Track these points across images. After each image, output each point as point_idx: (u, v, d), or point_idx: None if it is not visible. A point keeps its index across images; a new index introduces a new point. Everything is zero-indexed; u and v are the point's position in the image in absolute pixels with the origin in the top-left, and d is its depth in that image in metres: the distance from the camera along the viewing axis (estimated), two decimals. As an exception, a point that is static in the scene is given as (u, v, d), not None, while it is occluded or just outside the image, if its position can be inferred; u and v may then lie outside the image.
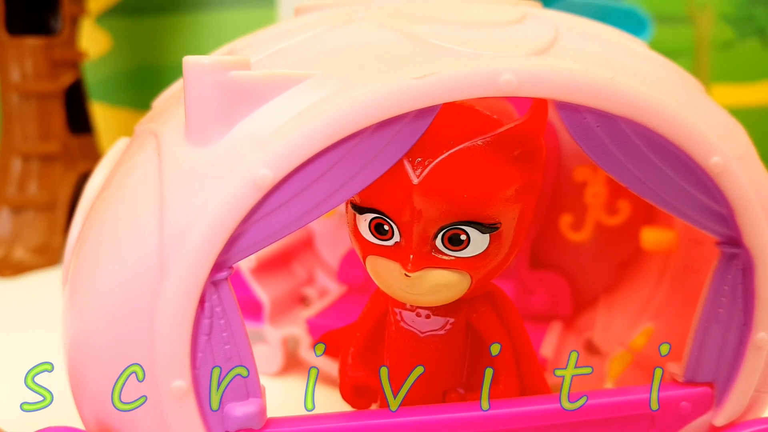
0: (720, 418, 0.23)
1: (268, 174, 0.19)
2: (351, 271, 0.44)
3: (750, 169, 0.22)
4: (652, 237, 0.34)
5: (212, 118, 0.20)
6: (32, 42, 0.64)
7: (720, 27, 0.81)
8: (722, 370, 0.23)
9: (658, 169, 0.21)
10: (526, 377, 0.24)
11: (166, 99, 0.26)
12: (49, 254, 0.63)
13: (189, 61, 0.20)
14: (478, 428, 0.22)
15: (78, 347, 0.21)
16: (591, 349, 0.38)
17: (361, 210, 0.22)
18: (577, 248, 0.40)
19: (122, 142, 0.27)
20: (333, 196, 0.20)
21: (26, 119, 0.64)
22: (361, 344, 0.25)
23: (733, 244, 0.22)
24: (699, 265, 0.31)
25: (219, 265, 0.20)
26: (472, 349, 0.24)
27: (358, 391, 0.25)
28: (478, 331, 0.24)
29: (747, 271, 0.22)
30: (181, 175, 0.20)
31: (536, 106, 0.21)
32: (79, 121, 0.69)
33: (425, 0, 0.25)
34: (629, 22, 0.66)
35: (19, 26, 0.65)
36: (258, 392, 0.21)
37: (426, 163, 0.20)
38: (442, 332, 0.23)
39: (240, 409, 0.21)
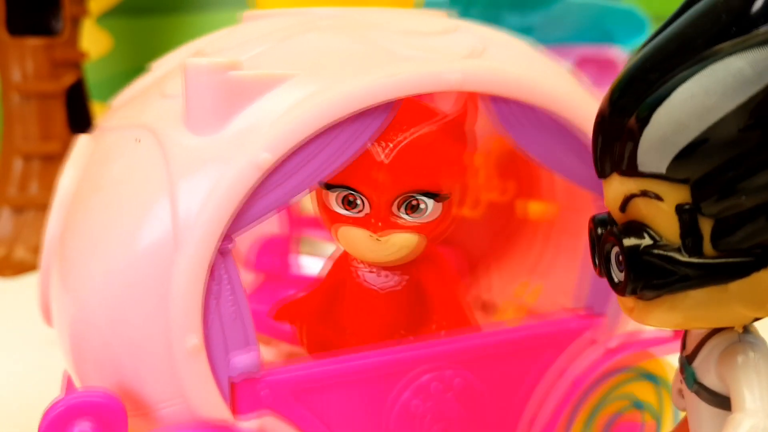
0: (613, 341, 0.30)
1: (268, 157, 0.23)
2: (268, 260, 0.48)
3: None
4: (537, 208, 0.41)
5: (214, 111, 0.23)
6: (33, 42, 0.63)
7: None
8: (613, 303, 0.30)
9: (566, 146, 0.27)
10: (461, 322, 0.30)
11: (131, 99, 0.29)
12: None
13: (191, 63, 0.23)
14: (426, 360, 0.27)
15: (87, 322, 0.24)
16: (489, 309, 0.44)
17: (332, 187, 0.26)
18: (470, 223, 0.46)
19: (83, 140, 0.29)
20: (319, 174, 0.24)
21: (27, 119, 0.63)
22: (323, 306, 0.30)
23: (616, 204, 0.29)
24: (578, 229, 0.38)
25: (226, 237, 0.23)
26: (419, 302, 0.29)
27: (324, 346, 0.29)
28: (424, 286, 0.29)
29: (626, 224, 0.29)
30: (187, 160, 0.23)
31: (466, 101, 0.27)
32: (80, 121, 0.67)
33: (359, 10, 0.29)
34: (628, 23, 0.70)
35: (20, 27, 0.64)
36: (256, 344, 0.25)
37: (390, 145, 0.25)
38: (398, 288, 0.28)
39: (241, 359, 0.24)
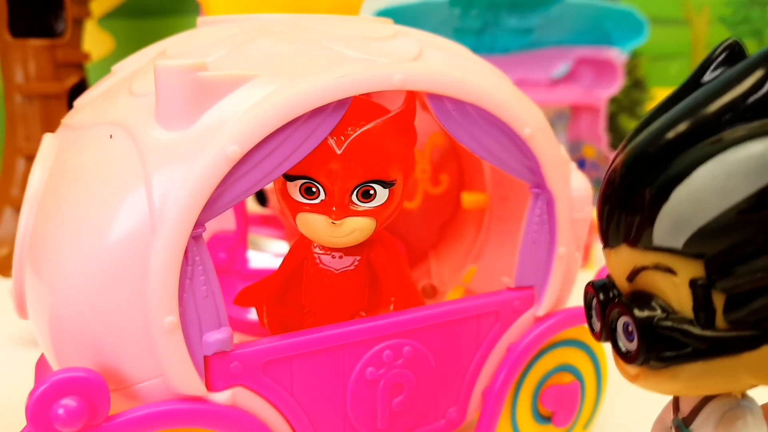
0: (540, 310, 0.34)
1: (236, 149, 0.25)
2: (216, 255, 0.50)
3: (547, 136, 0.33)
4: (470, 198, 0.45)
5: (184, 108, 0.25)
6: (36, 44, 0.64)
7: (716, 29, 0.81)
8: (539, 275, 0.34)
9: (493, 137, 0.31)
10: (409, 299, 0.33)
11: (95, 98, 0.30)
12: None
13: (162, 65, 0.25)
14: (378, 332, 0.30)
15: (67, 307, 0.26)
16: (430, 291, 0.48)
17: (292, 178, 0.28)
18: (408, 214, 0.50)
19: (49, 138, 0.31)
20: (280, 166, 0.27)
21: (30, 120, 0.63)
22: (283, 288, 0.32)
23: (539, 187, 0.33)
24: (507, 215, 0.42)
25: (198, 223, 0.25)
26: (370, 280, 0.32)
27: (285, 325, 0.32)
28: (374, 266, 0.32)
29: (549, 204, 0.33)
30: (160, 153, 0.25)
31: (408, 100, 0.30)
32: None
33: (308, 17, 0.32)
34: (626, 24, 0.70)
35: (22, 28, 0.64)
36: (227, 322, 0.27)
37: (344, 139, 0.28)
38: (351, 268, 0.31)
39: (214, 336, 0.26)
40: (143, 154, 0.25)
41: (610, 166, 0.19)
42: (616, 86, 0.75)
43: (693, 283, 0.17)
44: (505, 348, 0.34)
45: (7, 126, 0.67)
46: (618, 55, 0.74)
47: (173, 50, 0.30)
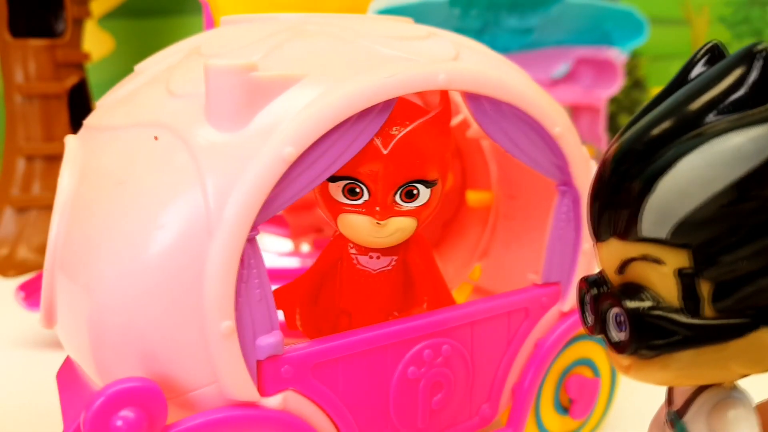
0: (566, 305, 0.35)
1: (292, 151, 0.25)
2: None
3: (573, 135, 0.33)
4: (475, 197, 0.45)
5: (236, 109, 0.25)
6: (36, 44, 0.62)
7: (716, 29, 0.80)
8: (564, 272, 0.34)
9: (527, 136, 0.31)
10: (441, 298, 0.33)
11: (124, 98, 0.30)
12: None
13: (213, 66, 0.24)
14: (419, 332, 0.30)
15: (113, 314, 0.25)
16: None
17: (336, 179, 0.28)
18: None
19: (72, 140, 0.30)
20: (331, 167, 0.26)
21: (30, 120, 0.61)
22: (316, 289, 0.32)
23: (566, 185, 0.33)
24: (515, 213, 0.43)
25: (254, 226, 0.25)
26: (407, 278, 0.32)
27: (319, 327, 0.32)
28: (409, 266, 0.32)
29: (575, 202, 0.34)
30: (214, 155, 0.25)
31: (444, 100, 0.30)
32: (82, 122, 0.64)
33: (338, 17, 0.32)
34: (627, 24, 0.69)
35: (22, 28, 0.62)
36: (278, 325, 0.27)
37: (389, 139, 0.28)
38: (389, 268, 0.31)
39: (266, 340, 0.26)
40: (196, 156, 0.25)
41: (601, 163, 0.19)
42: (616, 86, 0.75)
43: (680, 273, 0.17)
44: (534, 343, 0.34)
45: (7, 126, 0.65)
46: (618, 55, 0.74)
47: (209, 49, 0.29)
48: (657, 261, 0.18)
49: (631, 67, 0.86)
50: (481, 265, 0.46)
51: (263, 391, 0.26)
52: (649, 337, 0.18)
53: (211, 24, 0.55)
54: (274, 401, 0.26)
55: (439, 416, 0.31)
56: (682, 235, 0.17)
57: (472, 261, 0.46)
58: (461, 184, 0.49)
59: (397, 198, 0.29)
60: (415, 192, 0.29)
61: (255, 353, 0.26)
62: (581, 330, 0.36)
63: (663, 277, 0.18)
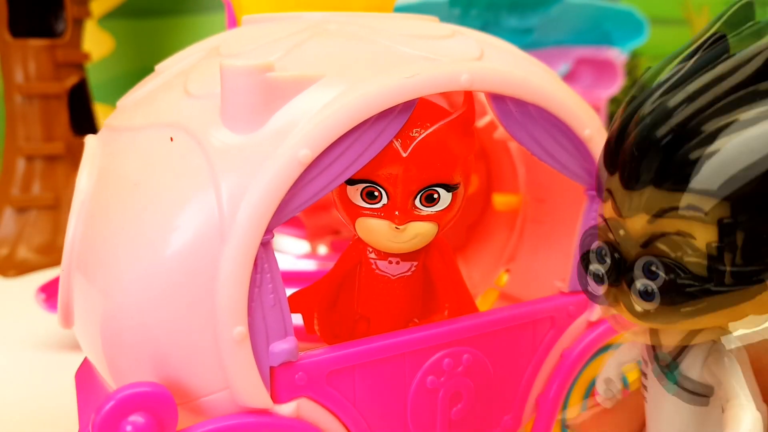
0: (594, 314, 0.33)
1: (308, 153, 0.24)
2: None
3: (604, 138, 0.32)
4: (502, 200, 0.44)
5: (252, 110, 0.24)
6: (36, 44, 0.64)
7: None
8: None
9: (554, 139, 0.30)
10: (463, 305, 0.32)
11: (144, 99, 0.29)
12: (53, 254, 0.62)
13: (229, 66, 0.24)
14: (439, 340, 0.29)
15: (127, 317, 0.24)
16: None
17: (354, 182, 0.28)
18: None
19: (92, 140, 0.30)
20: (348, 170, 0.26)
21: (30, 120, 0.63)
22: (334, 294, 0.31)
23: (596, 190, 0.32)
24: (543, 217, 0.41)
25: (268, 229, 0.24)
26: (427, 284, 0.31)
27: (336, 332, 0.31)
28: (430, 272, 0.31)
29: (605, 208, 0.32)
30: (228, 157, 0.24)
31: (468, 101, 0.29)
32: (82, 122, 0.67)
33: (360, 15, 0.31)
34: (626, 24, 0.69)
35: (22, 28, 0.63)
36: (292, 331, 0.26)
37: (409, 141, 0.27)
38: (408, 274, 0.30)
39: (280, 346, 0.25)
40: (210, 157, 0.24)
41: (625, 121, 0.20)
42: (616, 86, 0.75)
43: (719, 222, 0.18)
44: (560, 354, 0.33)
45: (7, 126, 0.66)
46: (618, 55, 0.73)
47: (227, 49, 0.29)
48: (698, 209, 0.18)
49: (631, 67, 0.85)
50: (507, 270, 0.44)
51: (276, 398, 0.26)
52: (676, 305, 0.19)
53: (233, 23, 0.55)
54: (287, 408, 0.26)
55: (459, 427, 0.31)
56: (732, 187, 0.18)
57: (499, 266, 0.45)
58: (486, 186, 0.48)
59: (417, 202, 0.28)
60: (435, 196, 0.28)
61: (268, 359, 0.25)
62: (609, 340, 0.34)
63: (701, 227, 0.18)
